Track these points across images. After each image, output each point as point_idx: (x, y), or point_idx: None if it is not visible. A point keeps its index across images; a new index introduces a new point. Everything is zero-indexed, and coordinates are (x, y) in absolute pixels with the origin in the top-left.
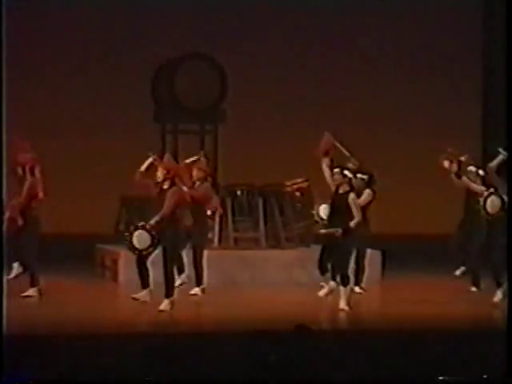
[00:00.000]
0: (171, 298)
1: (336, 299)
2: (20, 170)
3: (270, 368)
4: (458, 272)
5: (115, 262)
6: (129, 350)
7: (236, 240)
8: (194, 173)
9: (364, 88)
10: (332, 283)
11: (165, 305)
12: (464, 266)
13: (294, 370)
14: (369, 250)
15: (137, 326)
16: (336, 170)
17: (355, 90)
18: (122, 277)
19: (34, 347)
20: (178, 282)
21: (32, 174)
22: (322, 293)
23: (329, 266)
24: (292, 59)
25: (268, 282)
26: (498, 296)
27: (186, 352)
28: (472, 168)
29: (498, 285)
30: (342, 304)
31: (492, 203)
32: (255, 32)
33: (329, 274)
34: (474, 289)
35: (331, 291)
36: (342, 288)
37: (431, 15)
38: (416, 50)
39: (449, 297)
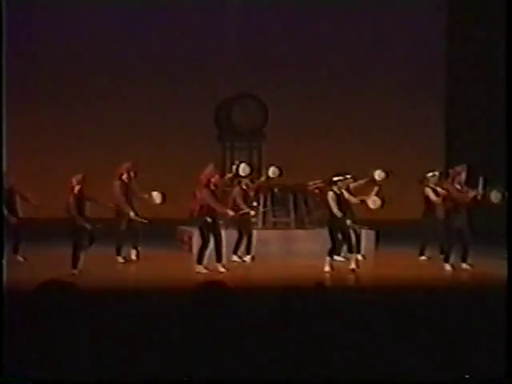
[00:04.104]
0: (222, 263)
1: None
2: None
3: (296, 312)
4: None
5: (190, 238)
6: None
7: (274, 223)
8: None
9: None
10: (338, 258)
11: (219, 267)
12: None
13: (314, 312)
14: (366, 230)
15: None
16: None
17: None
18: (194, 249)
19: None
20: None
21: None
22: (326, 268)
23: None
24: (314, 96)
25: (295, 251)
26: (451, 260)
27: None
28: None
29: (446, 256)
30: (352, 265)
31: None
32: (286, 79)
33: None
34: (441, 257)
35: (332, 267)
36: (352, 255)
37: (398, 36)
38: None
39: (419, 263)
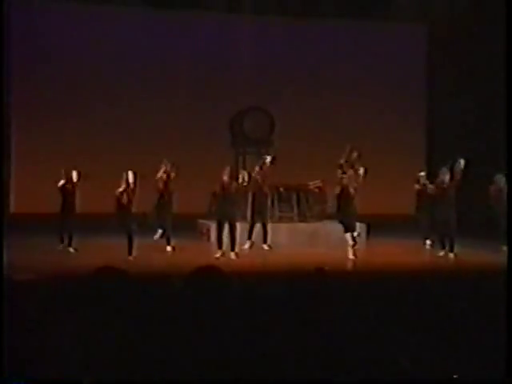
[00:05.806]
0: (235, 251)
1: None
2: (165, 176)
3: (296, 292)
4: (427, 244)
5: (208, 230)
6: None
7: (280, 217)
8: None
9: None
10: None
11: (232, 255)
12: (428, 238)
13: (314, 294)
14: (359, 224)
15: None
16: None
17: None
18: (212, 239)
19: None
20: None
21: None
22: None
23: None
24: (314, 109)
25: (298, 242)
26: (442, 252)
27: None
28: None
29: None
30: (350, 255)
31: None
32: (291, 94)
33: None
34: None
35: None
36: (349, 244)
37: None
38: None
39: (405, 251)
